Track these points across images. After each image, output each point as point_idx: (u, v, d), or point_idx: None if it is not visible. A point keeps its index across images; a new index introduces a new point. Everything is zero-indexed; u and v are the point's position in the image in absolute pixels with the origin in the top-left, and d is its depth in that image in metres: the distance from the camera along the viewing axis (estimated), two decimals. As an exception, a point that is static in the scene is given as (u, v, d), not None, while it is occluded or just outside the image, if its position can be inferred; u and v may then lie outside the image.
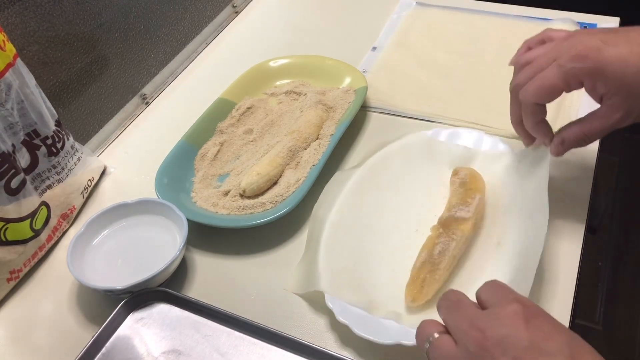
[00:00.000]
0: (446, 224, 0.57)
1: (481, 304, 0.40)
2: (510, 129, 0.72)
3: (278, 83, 0.84)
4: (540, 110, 0.56)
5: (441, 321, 0.42)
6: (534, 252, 0.52)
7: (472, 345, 0.37)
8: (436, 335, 0.40)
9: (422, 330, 0.42)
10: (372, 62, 0.87)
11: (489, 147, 0.66)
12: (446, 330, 0.40)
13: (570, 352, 0.34)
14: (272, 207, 0.64)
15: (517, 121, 0.59)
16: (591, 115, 0.54)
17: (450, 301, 0.42)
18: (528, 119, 0.56)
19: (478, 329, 0.37)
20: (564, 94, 0.52)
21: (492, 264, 0.55)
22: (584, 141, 0.55)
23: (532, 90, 0.53)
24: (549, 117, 0.72)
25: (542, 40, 0.57)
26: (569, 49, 0.51)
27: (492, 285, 0.41)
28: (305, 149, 0.71)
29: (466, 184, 0.61)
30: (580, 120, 0.55)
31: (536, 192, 0.56)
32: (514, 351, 0.35)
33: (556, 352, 0.34)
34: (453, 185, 0.62)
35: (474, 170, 0.63)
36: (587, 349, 0.35)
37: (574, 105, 0.74)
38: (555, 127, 0.71)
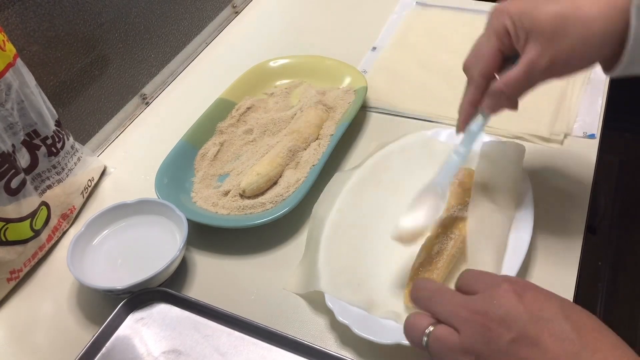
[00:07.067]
0: (445, 224, 0.57)
1: (466, 291, 0.41)
2: (510, 129, 0.72)
3: (278, 83, 0.84)
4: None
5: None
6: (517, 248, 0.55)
7: (477, 329, 0.37)
8: (431, 328, 0.40)
9: (413, 326, 0.41)
10: (372, 62, 0.87)
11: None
12: (438, 321, 0.40)
13: (564, 314, 0.37)
14: (272, 207, 0.64)
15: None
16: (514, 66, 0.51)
17: (430, 291, 0.42)
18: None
19: (478, 312, 0.38)
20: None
21: (487, 261, 0.55)
22: (505, 93, 0.52)
23: None
24: (548, 117, 0.73)
25: None
26: None
27: (472, 273, 0.42)
28: (305, 149, 0.71)
29: (464, 185, 0.61)
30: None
31: (508, 187, 0.59)
32: (517, 326, 0.36)
33: (553, 317, 0.37)
34: (452, 185, 0.62)
35: (472, 170, 0.63)
36: (577, 309, 0.38)
37: (574, 105, 0.74)
38: (555, 128, 0.72)
